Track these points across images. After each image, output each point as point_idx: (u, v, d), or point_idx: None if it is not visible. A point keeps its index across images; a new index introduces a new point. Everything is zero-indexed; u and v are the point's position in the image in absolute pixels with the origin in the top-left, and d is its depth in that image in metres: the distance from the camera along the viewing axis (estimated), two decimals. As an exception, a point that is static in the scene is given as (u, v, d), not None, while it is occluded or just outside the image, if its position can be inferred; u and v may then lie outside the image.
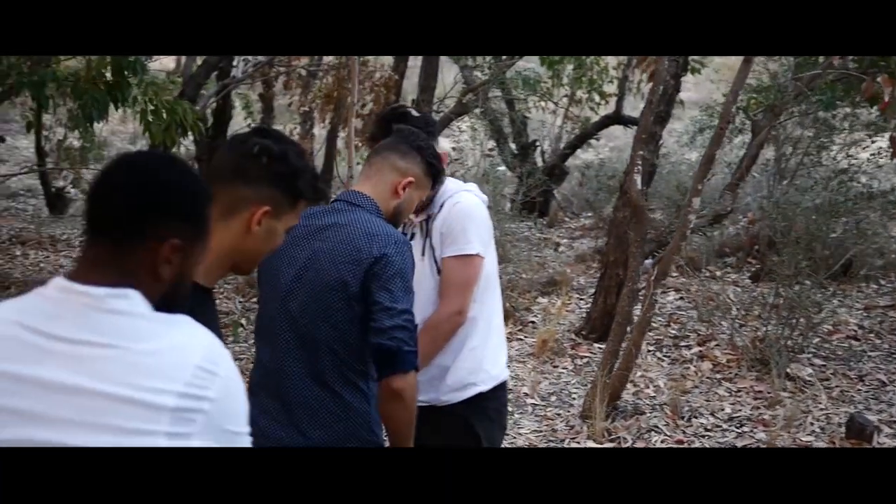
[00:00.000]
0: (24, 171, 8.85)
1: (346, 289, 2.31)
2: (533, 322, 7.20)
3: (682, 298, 7.84)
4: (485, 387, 2.91)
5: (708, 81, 11.09)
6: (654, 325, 7.07)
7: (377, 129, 2.90)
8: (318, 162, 12.79)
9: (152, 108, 4.87)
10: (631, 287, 5.09)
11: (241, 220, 1.82)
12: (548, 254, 9.88)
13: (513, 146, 11.47)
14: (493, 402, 2.96)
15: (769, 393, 5.56)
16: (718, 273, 8.68)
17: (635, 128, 10.34)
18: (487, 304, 2.94)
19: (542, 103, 11.14)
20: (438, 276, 2.85)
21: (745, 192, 9.67)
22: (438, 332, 2.79)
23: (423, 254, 2.84)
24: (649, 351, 6.43)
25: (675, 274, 8.61)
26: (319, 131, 10.58)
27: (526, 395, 5.71)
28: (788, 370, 5.81)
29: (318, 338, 2.33)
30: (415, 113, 2.96)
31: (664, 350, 6.48)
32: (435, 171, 2.59)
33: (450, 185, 2.91)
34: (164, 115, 4.89)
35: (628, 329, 5.29)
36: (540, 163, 11.58)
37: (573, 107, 11.44)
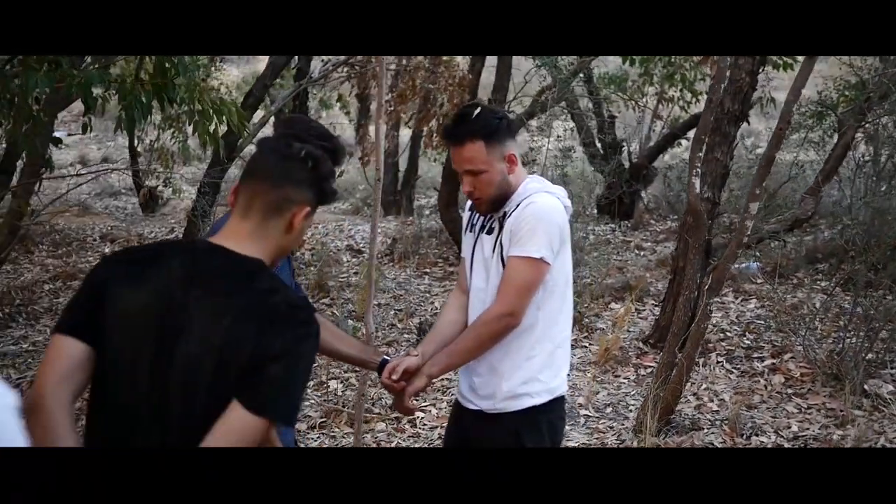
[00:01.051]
0: (103, 170, 9.06)
1: None
2: (602, 329, 6.97)
3: (763, 307, 7.45)
4: (539, 399, 2.79)
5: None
6: (728, 334, 6.77)
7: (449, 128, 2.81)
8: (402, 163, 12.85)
9: (199, 108, 4.88)
10: (687, 296, 4.83)
11: (285, 220, 1.93)
12: (629, 257, 9.59)
13: (598, 145, 11.19)
14: (547, 416, 2.83)
15: (842, 411, 5.21)
16: (807, 280, 8.23)
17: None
18: (550, 312, 2.78)
19: (631, 101, 10.84)
20: None
21: (845, 194, 9.19)
22: (486, 331, 2.71)
23: (493, 250, 2.76)
24: (718, 362, 6.13)
25: (759, 280, 8.24)
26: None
27: (580, 405, 5.51)
28: (866, 387, 5.43)
29: None
30: (484, 110, 2.76)
31: (735, 361, 6.16)
32: (326, 192, 2.37)
33: (533, 184, 2.79)
34: (212, 114, 4.90)
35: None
36: (627, 163, 11.26)
37: (662, 105, 11.09)
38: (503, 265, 2.73)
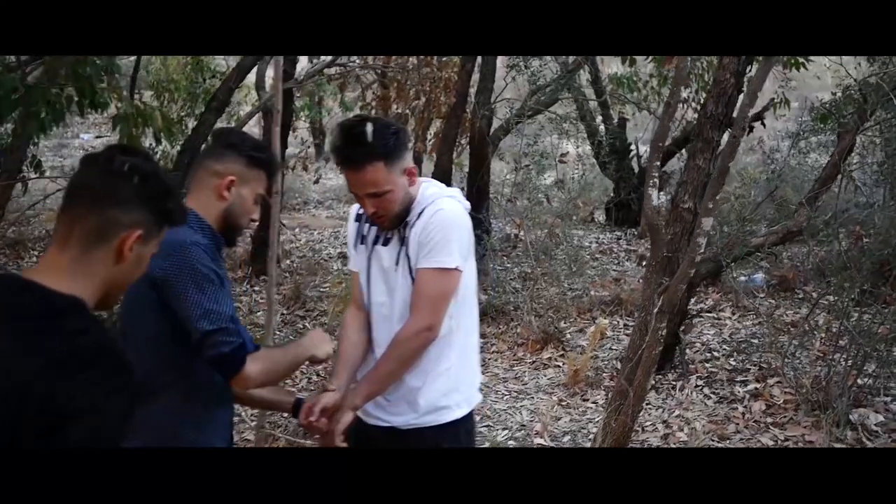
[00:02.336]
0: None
1: (147, 304, 2.25)
2: (582, 346, 6.54)
3: (760, 324, 6.95)
4: (460, 412, 2.70)
5: (814, 78, 10.00)
6: (715, 354, 6.31)
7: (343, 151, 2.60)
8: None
9: (123, 112, 4.58)
10: (644, 318, 4.41)
11: (111, 247, 1.64)
12: (629, 267, 9.12)
13: (607, 148, 10.73)
14: (465, 426, 2.75)
15: (822, 444, 4.73)
16: (815, 295, 7.68)
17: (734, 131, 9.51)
18: (463, 321, 2.71)
19: (643, 103, 10.35)
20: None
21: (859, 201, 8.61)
22: (406, 349, 2.59)
23: (397, 263, 2.64)
24: (697, 386, 5.67)
25: (761, 295, 7.74)
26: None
27: (536, 433, 5.10)
28: (852, 417, 4.94)
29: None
30: (378, 126, 2.54)
31: (715, 385, 5.69)
32: (259, 160, 2.43)
33: (431, 190, 2.69)
34: (139, 120, 4.60)
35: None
36: (636, 168, 10.79)
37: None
38: (412, 278, 2.62)
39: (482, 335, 6.94)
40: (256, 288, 8.41)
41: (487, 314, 7.22)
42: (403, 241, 2.62)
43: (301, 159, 10.16)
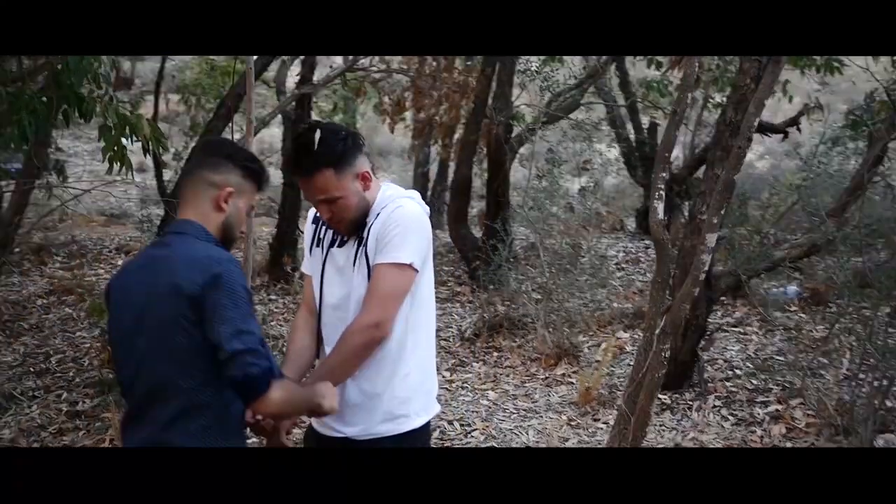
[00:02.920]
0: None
1: (179, 322, 2.19)
2: (599, 361, 6.28)
3: (790, 339, 6.64)
4: (417, 420, 2.64)
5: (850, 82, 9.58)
6: (736, 372, 6.03)
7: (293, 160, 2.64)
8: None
9: (108, 122, 4.45)
10: (648, 337, 4.16)
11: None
12: (656, 278, 8.80)
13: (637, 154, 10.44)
14: (423, 437, 2.69)
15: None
16: (851, 309, 7.31)
17: (774, 136, 9.16)
18: (420, 325, 2.66)
19: (665, 109, 10.03)
20: None
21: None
22: (351, 344, 2.53)
23: (354, 263, 2.60)
24: (715, 407, 5.40)
25: (792, 308, 7.41)
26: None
27: (540, 456, 4.86)
28: (877, 443, 4.64)
29: (161, 378, 2.23)
30: (325, 133, 2.57)
31: (734, 406, 5.41)
32: (254, 172, 2.44)
33: (390, 192, 2.67)
34: (126, 129, 4.47)
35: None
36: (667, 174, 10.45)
37: (708, 111, 10.25)
38: (370, 277, 2.57)
39: (498, 348, 6.77)
40: (272, 296, 8.30)
41: (503, 326, 7.01)
42: (361, 241, 2.59)
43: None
